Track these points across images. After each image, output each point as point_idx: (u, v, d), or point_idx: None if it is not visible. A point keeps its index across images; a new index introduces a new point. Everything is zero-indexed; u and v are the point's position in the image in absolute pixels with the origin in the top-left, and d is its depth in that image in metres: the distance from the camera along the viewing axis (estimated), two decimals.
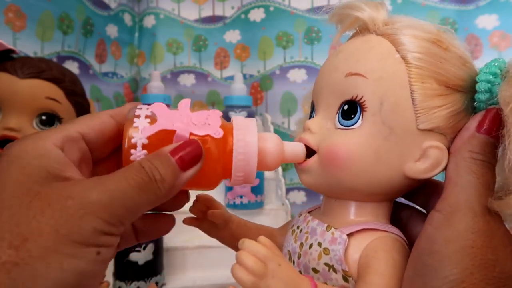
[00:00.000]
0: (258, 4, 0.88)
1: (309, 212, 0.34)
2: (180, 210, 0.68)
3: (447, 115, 0.26)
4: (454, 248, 0.23)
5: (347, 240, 0.28)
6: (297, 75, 0.86)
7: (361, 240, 0.28)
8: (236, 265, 0.24)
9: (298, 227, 0.32)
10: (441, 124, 0.26)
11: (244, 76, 0.89)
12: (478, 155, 0.24)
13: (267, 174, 0.68)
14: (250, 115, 0.74)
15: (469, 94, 0.27)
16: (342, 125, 0.28)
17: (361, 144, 0.27)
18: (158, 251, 0.52)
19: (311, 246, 0.30)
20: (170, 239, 0.58)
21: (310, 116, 0.32)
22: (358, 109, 0.28)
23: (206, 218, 0.37)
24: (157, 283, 0.52)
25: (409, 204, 0.33)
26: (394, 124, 0.27)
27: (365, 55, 0.28)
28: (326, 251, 0.28)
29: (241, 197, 0.63)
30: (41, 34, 0.66)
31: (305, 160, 0.30)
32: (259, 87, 0.89)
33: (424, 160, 0.27)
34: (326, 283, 0.28)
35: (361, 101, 0.27)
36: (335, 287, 0.28)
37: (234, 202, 0.63)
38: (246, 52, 0.91)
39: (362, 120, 0.27)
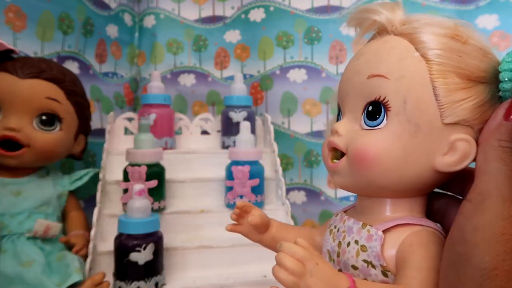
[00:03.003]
0: (258, 4, 0.88)
1: (345, 211, 0.35)
2: (179, 210, 0.68)
3: (471, 107, 0.27)
4: (484, 236, 0.23)
5: (383, 236, 0.29)
6: (297, 75, 0.86)
7: (397, 235, 0.29)
8: (276, 266, 0.25)
9: (335, 227, 0.34)
10: (466, 117, 0.27)
11: (244, 76, 0.89)
12: (507, 142, 0.24)
13: (267, 174, 0.68)
14: (250, 115, 0.74)
15: (493, 85, 0.27)
16: (368, 126, 0.29)
17: (387, 143, 0.28)
18: (158, 251, 0.52)
19: (348, 244, 0.31)
20: (170, 239, 0.58)
21: (338, 119, 0.34)
22: (382, 109, 0.29)
23: (246, 224, 0.40)
24: (157, 283, 0.52)
25: (446, 193, 0.33)
26: (419, 121, 0.28)
27: (385, 56, 0.29)
28: (363, 248, 0.30)
29: (241, 197, 0.63)
30: (41, 34, 0.66)
31: (335, 162, 0.31)
32: (259, 87, 0.89)
33: (452, 153, 0.27)
34: (366, 279, 0.29)
35: (385, 101, 0.28)
36: (374, 282, 0.29)
37: (234, 202, 0.63)
38: (246, 52, 0.91)
39: (387, 119, 0.28)
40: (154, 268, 0.52)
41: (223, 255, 0.60)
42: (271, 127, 0.75)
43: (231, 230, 0.41)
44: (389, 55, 0.29)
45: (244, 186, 0.62)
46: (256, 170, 0.63)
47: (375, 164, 0.29)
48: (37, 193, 0.57)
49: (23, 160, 0.54)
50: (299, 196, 0.86)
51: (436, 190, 0.32)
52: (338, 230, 0.33)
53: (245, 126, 0.65)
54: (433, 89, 0.27)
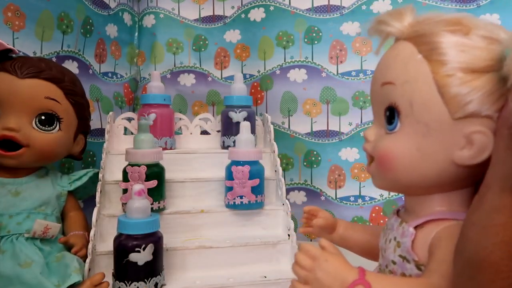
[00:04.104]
0: (258, 4, 0.88)
1: (397, 210, 0.37)
2: (179, 210, 0.68)
3: (479, 98, 0.27)
4: (476, 229, 0.23)
5: (414, 232, 0.31)
6: (297, 75, 0.86)
7: (429, 231, 0.30)
8: (294, 262, 0.30)
9: (387, 225, 0.37)
10: (476, 109, 0.27)
11: (244, 76, 0.89)
12: None
13: (267, 174, 0.68)
14: (250, 115, 0.74)
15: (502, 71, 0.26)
16: (389, 130, 0.31)
17: (402, 145, 0.30)
18: (158, 251, 0.52)
19: (390, 241, 0.34)
20: (170, 239, 0.58)
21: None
22: (396, 113, 0.30)
23: (315, 226, 0.45)
24: (157, 284, 0.52)
25: None
26: (428, 120, 0.28)
27: (392, 62, 0.31)
28: (399, 244, 0.32)
29: (241, 197, 0.62)
30: (41, 33, 0.66)
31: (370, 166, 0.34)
32: (259, 87, 0.88)
33: (470, 146, 0.28)
34: (404, 273, 0.31)
35: (395, 105, 0.30)
36: (391, 276, 0.31)
37: (234, 203, 0.63)
38: (246, 52, 0.90)
39: (400, 122, 0.30)
40: (153, 268, 0.52)
41: (223, 255, 0.59)
42: (271, 127, 0.75)
43: (304, 232, 0.47)
44: (395, 61, 0.30)
45: (244, 186, 0.62)
46: (256, 170, 0.63)
47: (393, 165, 0.31)
48: (36, 193, 0.56)
49: (22, 160, 0.54)
50: (299, 196, 0.86)
51: None
52: (387, 228, 0.36)
53: (245, 126, 0.65)
54: (437, 88, 0.28)
